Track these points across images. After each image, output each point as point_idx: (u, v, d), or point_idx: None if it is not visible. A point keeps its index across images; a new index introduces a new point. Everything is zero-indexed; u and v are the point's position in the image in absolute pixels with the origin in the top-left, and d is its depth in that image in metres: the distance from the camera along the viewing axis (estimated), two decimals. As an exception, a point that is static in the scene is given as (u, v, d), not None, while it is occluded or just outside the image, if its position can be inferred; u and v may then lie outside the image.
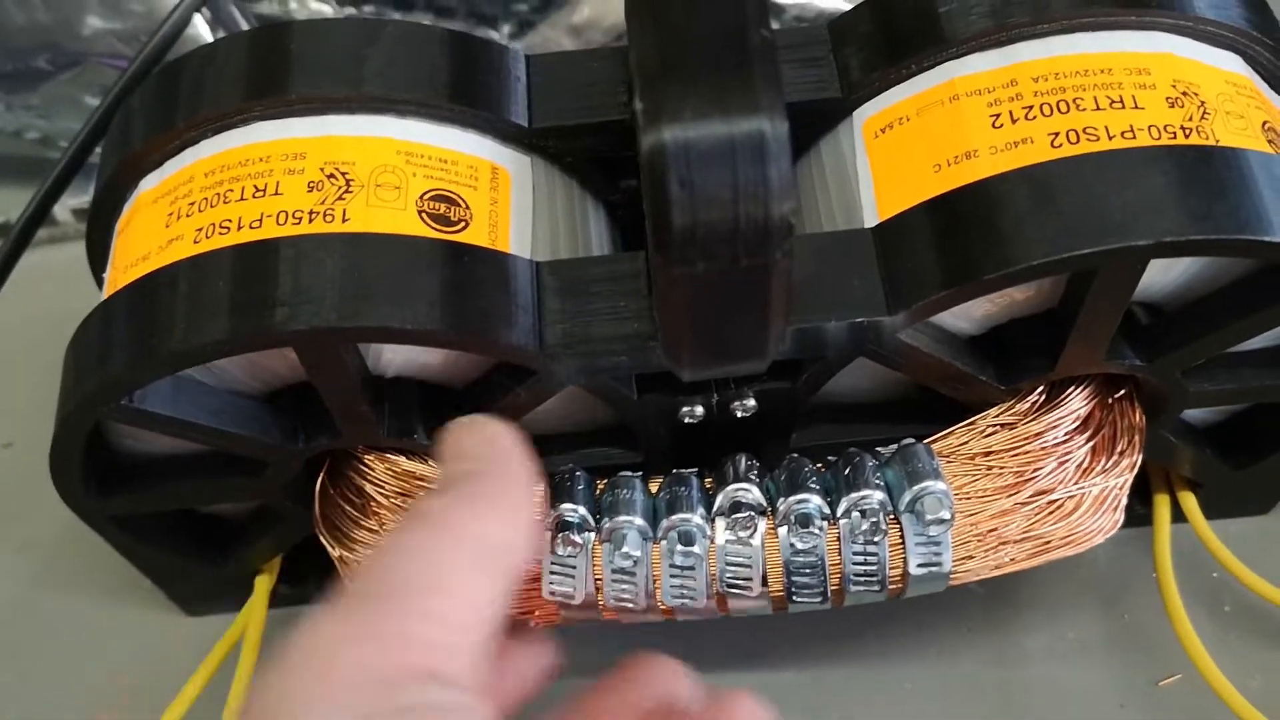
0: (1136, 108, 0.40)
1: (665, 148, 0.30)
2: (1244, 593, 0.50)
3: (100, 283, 0.48)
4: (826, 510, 0.43)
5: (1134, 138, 0.39)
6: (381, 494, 0.45)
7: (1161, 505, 0.52)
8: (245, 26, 0.66)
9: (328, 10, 0.67)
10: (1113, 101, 0.40)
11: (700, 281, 0.31)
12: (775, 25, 0.64)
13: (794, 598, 0.43)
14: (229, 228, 0.40)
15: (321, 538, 0.47)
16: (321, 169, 0.41)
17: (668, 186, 0.30)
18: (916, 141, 0.42)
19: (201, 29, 0.64)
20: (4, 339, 0.56)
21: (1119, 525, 0.45)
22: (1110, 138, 0.39)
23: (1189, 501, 0.51)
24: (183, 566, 0.51)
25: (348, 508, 0.46)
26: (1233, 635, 0.51)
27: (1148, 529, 0.52)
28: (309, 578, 0.54)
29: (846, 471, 0.43)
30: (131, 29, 0.64)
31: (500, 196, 0.42)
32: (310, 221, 0.40)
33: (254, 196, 0.41)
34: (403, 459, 0.45)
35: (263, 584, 0.52)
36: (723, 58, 0.30)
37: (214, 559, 0.51)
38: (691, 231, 0.30)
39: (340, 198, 0.40)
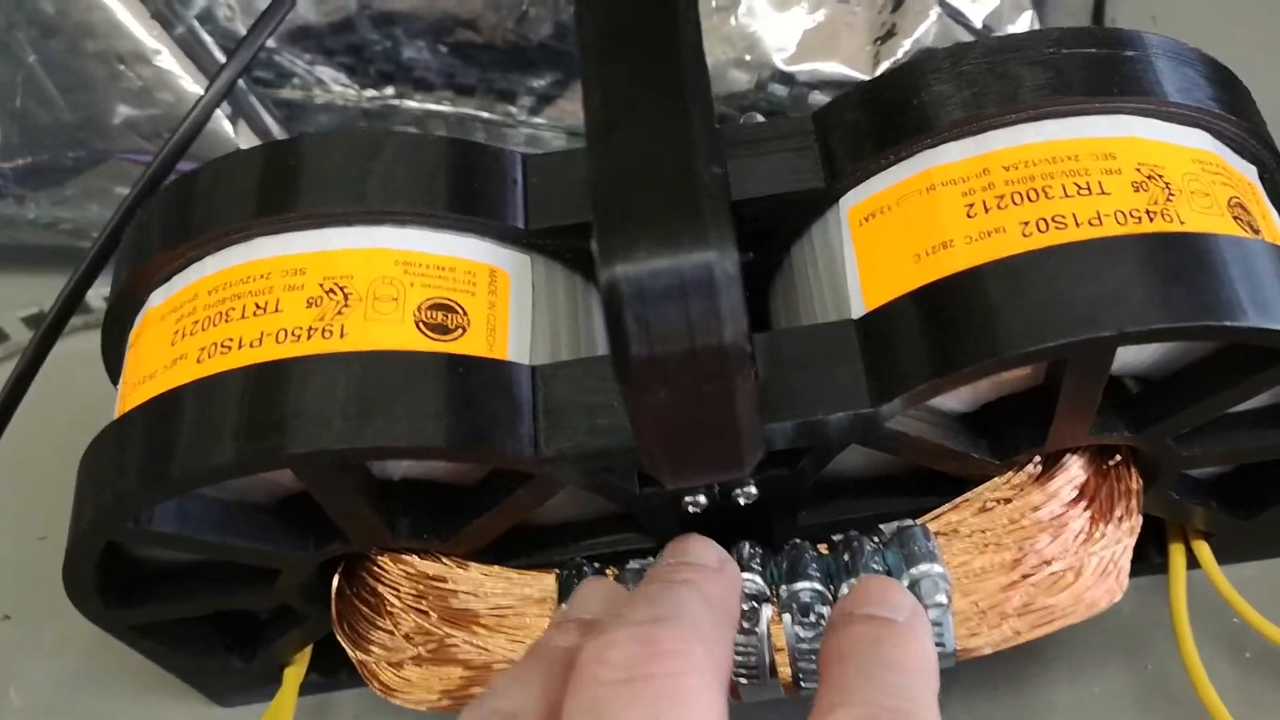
0: (1103, 193, 0.40)
1: (619, 285, 0.30)
2: (1263, 638, 0.50)
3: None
4: (829, 595, 0.43)
5: (1100, 224, 0.40)
6: (396, 596, 0.45)
7: (1176, 555, 0.51)
8: (264, 115, 0.67)
9: (351, 94, 0.68)
10: (1080, 188, 0.40)
11: (665, 407, 0.32)
12: (783, 90, 0.66)
13: (802, 684, 0.43)
14: (230, 347, 0.41)
15: (340, 639, 0.47)
16: (321, 284, 0.42)
17: (624, 321, 0.31)
18: (897, 231, 0.42)
19: (220, 120, 0.65)
20: (37, 429, 0.54)
21: (1124, 589, 0.45)
22: (1078, 225, 0.40)
23: (1203, 550, 0.51)
24: (210, 665, 0.51)
25: (364, 609, 0.46)
26: (1254, 681, 0.51)
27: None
28: (339, 669, 0.53)
29: (846, 556, 0.43)
30: (161, 116, 0.65)
31: (499, 300, 0.43)
32: (309, 339, 0.41)
33: (255, 314, 0.41)
34: (416, 559, 0.45)
35: (292, 676, 0.52)
36: (670, 195, 0.31)
37: (242, 655, 0.51)
38: (650, 362, 0.31)
39: (339, 313, 0.41)
